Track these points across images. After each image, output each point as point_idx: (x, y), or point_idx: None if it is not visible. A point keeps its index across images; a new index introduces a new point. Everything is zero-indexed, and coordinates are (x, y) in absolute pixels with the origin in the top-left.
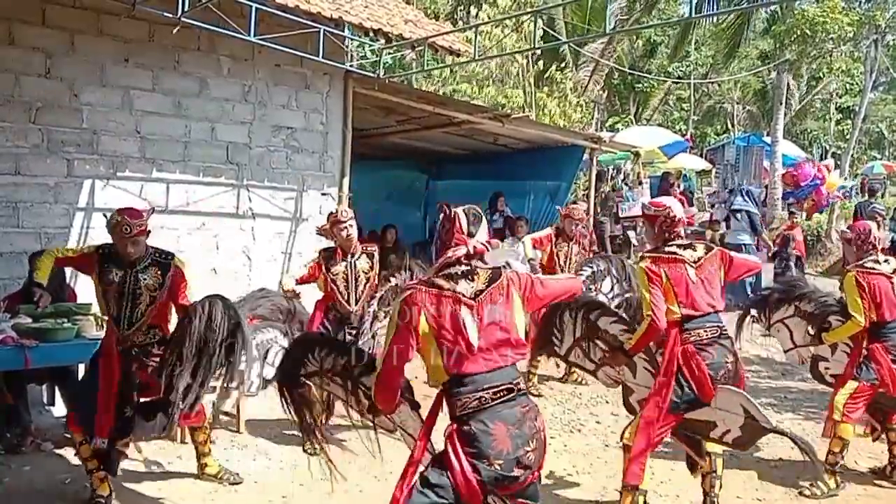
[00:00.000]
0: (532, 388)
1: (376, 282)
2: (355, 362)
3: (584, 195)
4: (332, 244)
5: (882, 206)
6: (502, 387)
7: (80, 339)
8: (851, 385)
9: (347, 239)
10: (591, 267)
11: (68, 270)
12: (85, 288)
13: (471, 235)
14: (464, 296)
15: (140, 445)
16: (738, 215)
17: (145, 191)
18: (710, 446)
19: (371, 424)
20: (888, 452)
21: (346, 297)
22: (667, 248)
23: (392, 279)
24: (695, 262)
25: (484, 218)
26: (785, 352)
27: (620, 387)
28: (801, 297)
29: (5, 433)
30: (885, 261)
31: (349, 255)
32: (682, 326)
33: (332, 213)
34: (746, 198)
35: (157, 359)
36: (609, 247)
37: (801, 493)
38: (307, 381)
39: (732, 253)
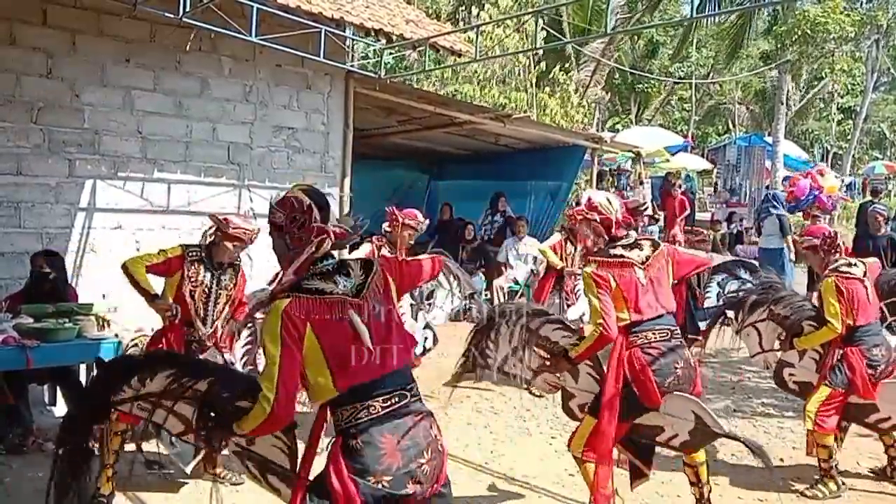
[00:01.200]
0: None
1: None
2: (221, 386)
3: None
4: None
5: (884, 206)
6: (394, 393)
7: (82, 340)
8: (823, 391)
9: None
10: None
11: (69, 270)
12: (86, 288)
13: (324, 222)
14: (348, 296)
15: (140, 445)
16: (769, 220)
17: (147, 191)
18: (694, 457)
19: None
20: (886, 454)
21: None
22: (612, 251)
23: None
24: (643, 263)
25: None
26: (751, 356)
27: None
28: (778, 300)
29: (7, 433)
30: (854, 264)
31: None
32: (629, 330)
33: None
34: (775, 202)
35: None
36: None
37: (801, 494)
38: (115, 409)
39: (680, 249)
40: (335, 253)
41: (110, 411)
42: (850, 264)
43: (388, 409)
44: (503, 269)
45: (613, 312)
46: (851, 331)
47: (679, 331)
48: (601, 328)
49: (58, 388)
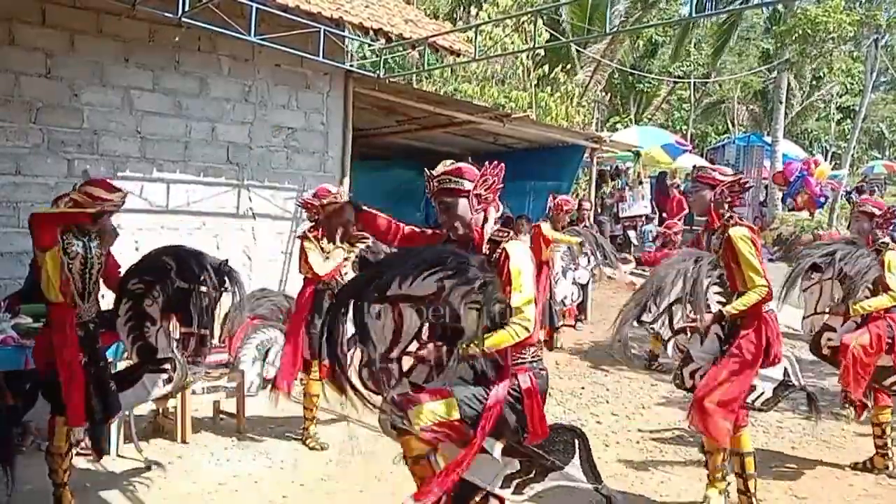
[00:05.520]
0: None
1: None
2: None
3: (584, 194)
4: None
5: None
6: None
7: None
8: (864, 337)
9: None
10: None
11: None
12: None
13: None
14: None
15: (140, 445)
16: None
17: (146, 191)
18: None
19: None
20: (875, 446)
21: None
22: (745, 220)
23: None
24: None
25: None
26: (803, 318)
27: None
28: (856, 257)
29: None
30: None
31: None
32: None
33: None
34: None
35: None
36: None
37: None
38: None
39: None
40: None
41: (371, 302)
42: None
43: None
44: None
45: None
46: None
47: None
48: (767, 288)
49: None
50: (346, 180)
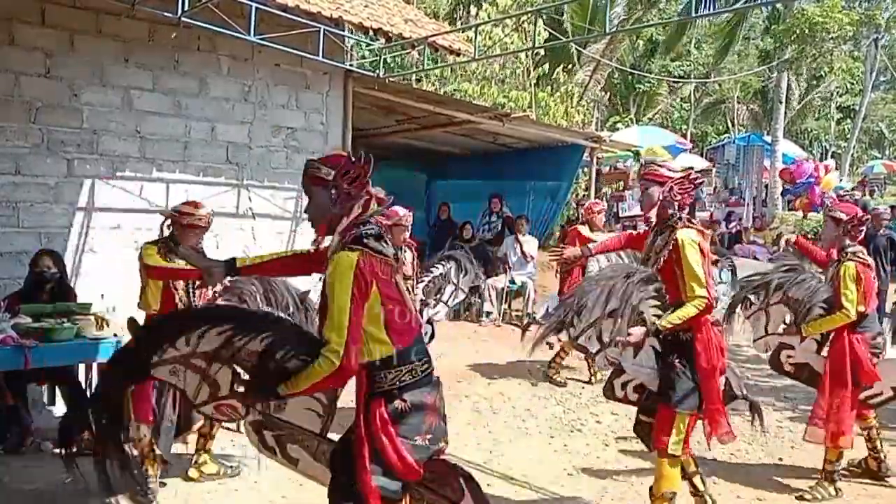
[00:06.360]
0: (556, 375)
1: None
2: (279, 345)
3: (584, 194)
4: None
5: (883, 206)
6: (427, 356)
7: (81, 340)
8: (840, 394)
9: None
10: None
11: (68, 270)
12: (85, 288)
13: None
14: (394, 260)
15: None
16: None
17: (145, 191)
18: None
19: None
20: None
21: None
22: (694, 222)
23: (435, 268)
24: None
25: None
26: (754, 341)
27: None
28: (797, 283)
29: (6, 433)
30: (864, 251)
31: None
32: None
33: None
34: None
35: None
36: None
37: (800, 498)
38: (158, 369)
39: None
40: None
41: (148, 372)
42: (864, 252)
43: (424, 372)
44: (503, 268)
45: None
46: (860, 317)
47: None
48: (706, 300)
49: (56, 388)
50: None
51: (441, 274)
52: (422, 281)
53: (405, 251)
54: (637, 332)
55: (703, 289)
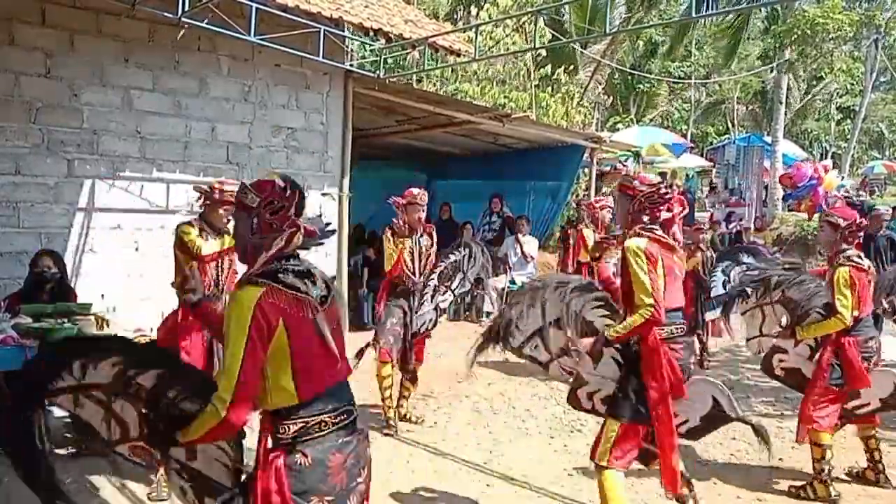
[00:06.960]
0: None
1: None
2: (168, 383)
3: (584, 195)
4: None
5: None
6: (344, 409)
7: None
8: (819, 391)
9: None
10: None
11: (68, 270)
12: (85, 288)
13: (298, 216)
14: (315, 300)
15: None
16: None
17: (145, 191)
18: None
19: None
20: (867, 457)
21: (412, 271)
22: (657, 232)
23: (451, 255)
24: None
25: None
26: (747, 340)
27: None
28: (797, 282)
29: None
30: (859, 255)
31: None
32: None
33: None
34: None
35: None
36: None
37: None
38: (51, 400)
39: None
40: (302, 256)
41: (42, 401)
42: (859, 255)
43: (338, 425)
44: (504, 268)
45: (662, 294)
46: (854, 321)
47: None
48: (653, 308)
49: None
50: (346, 180)
51: (456, 261)
52: (438, 266)
53: (424, 237)
54: (585, 342)
55: (650, 297)
